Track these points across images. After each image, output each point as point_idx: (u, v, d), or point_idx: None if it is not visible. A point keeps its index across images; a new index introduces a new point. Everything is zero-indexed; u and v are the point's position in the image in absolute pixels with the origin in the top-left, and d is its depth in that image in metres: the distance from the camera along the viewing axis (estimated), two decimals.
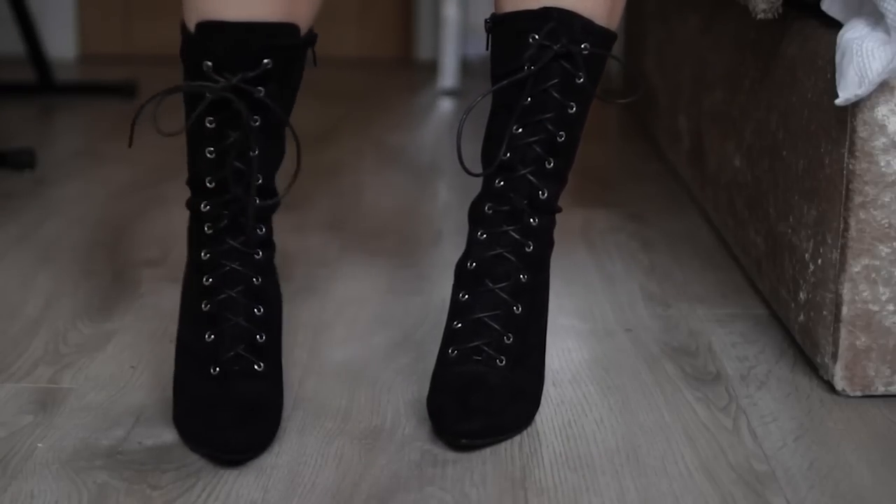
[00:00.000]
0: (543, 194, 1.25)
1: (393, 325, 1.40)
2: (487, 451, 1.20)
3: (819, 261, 1.35)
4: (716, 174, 1.83)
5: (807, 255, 1.38)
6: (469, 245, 1.28)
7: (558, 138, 1.24)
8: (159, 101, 1.18)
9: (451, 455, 1.19)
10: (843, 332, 1.30)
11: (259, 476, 1.14)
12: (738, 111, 1.70)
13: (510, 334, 1.24)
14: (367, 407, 1.29)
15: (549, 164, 1.24)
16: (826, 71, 1.33)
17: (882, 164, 1.27)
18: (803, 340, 1.40)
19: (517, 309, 1.24)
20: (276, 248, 1.28)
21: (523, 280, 1.25)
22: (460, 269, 1.28)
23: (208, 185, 1.22)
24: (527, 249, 1.25)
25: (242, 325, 1.22)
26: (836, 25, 1.32)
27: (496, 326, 1.24)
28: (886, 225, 1.28)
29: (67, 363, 1.38)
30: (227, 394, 1.19)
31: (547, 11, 1.21)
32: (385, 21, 3.29)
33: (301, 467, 1.16)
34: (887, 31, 1.23)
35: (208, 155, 1.21)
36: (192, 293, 1.25)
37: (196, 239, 1.25)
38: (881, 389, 1.32)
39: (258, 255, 1.24)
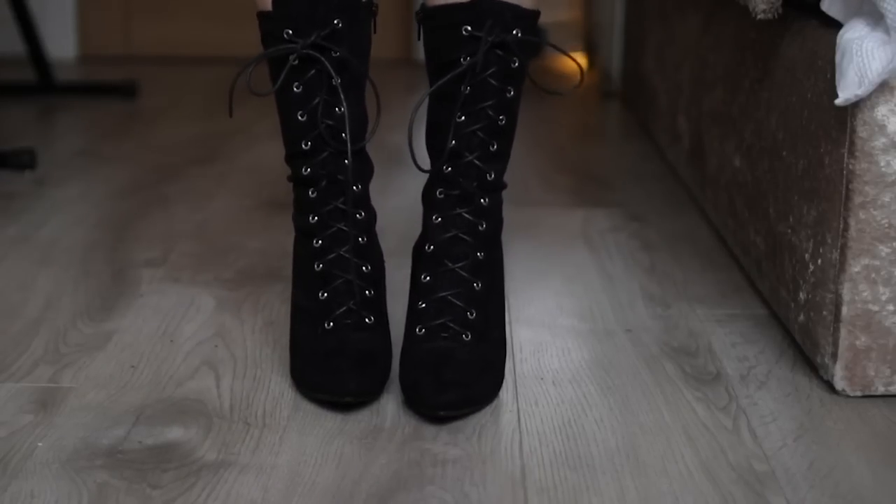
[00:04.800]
0: (491, 175, 1.31)
1: (392, 324, 1.40)
2: (487, 450, 1.20)
3: (819, 261, 1.35)
4: (716, 174, 1.83)
5: (807, 255, 1.38)
6: (425, 228, 1.34)
7: (499, 122, 1.30)
8: (253, 66, 1.29)
9: (451, 455, 1.19)
10: (843, 332, 1.30)
11: (259, 476, 1.14)
12: (738, 111, 1.70)
13: (473, 310, 1.29)
14: (367, 407, 1.29)
15: (493, 147, 1.31)
16: (826, 71, 1.33)
17: (882, 164, 1.27)
18: (803, 340, 1.40)
19: (477, 286, 1.30)
20: (376, 214, 1.38)
21: (480, 257, 1.31)
22: (418, 251, 1.35)
23: (304, 147, 1.32)
24: (480, 228, 1.31)
25: (352, 281, 1.31)
26: (836, 25, 1.32)
27: (459, 304, 1.29)
28: (886, 225, 1.28)
29: (67, 363, 1.38)
30: (342, 344, 1.28)
31: (478, 3, 1.27)
32: (385, 21, 3.29)
33: (301, 467, 1.16)
34: (887, 31, 1.23)
35: (300, 118, 1.32)
36: (303, 257, 1.35)
37: (303, 205, 1.35)
38: (881, 389, 1.32)
39: (360, 215, 1.34)
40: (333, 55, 1.30)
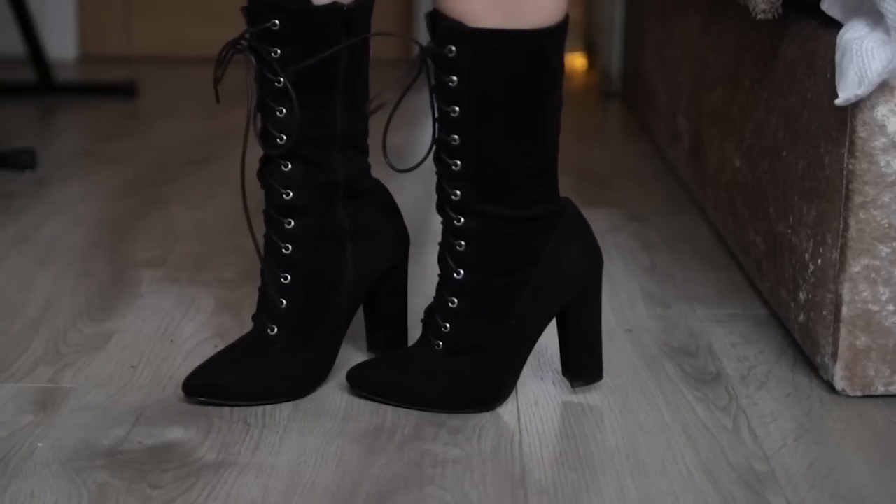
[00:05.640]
0: (456, 195, 1.25)
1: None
2: (488, 450, 1.20)
3: (819, 261, 1.35)
4: (716, 174, 1.83)
5: (807, 255, 1.38)
6: None
7: (452, 142, 1.24)
8: (231, 56, 1.28)
9: (451, 455, 1.19)
10: (843, 332, 1.30)
11: (259, 476, 1.14)
12: (738, 111, 1.70)
13: (447, 324, 1.28)
14: (367, 407, 1.29)
15: (456, 166, 1.25)
16: (826, 71, 1.33)
17: (882, 164, 1.27)
18: (803, 340, 1.40)
19: (452, 303, 1.28)
20: (334, 226, 1.32)
21: (457, 277, 1.27)
22: None
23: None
24: (458, 248, 1.27)
25: (267, 290, 1.31)
26: (836, 25, 1.32)
27: (436, 313, 1.29)
28: (886, 225, 1.28)
29: (67, 363, 1.38)
30: (233, 345, 1.32)
31: (429, 14, 1.23)
32: (385, 21, 3.29)
33: (301, 467, 1.16)
34: (887, 31, 1.23)
35: (256, 112, 1.29)
36: None
37: None
38: (881, 389, 1.32)
39: (288, 224, 1.30)
40: (273, 56, 1.26)
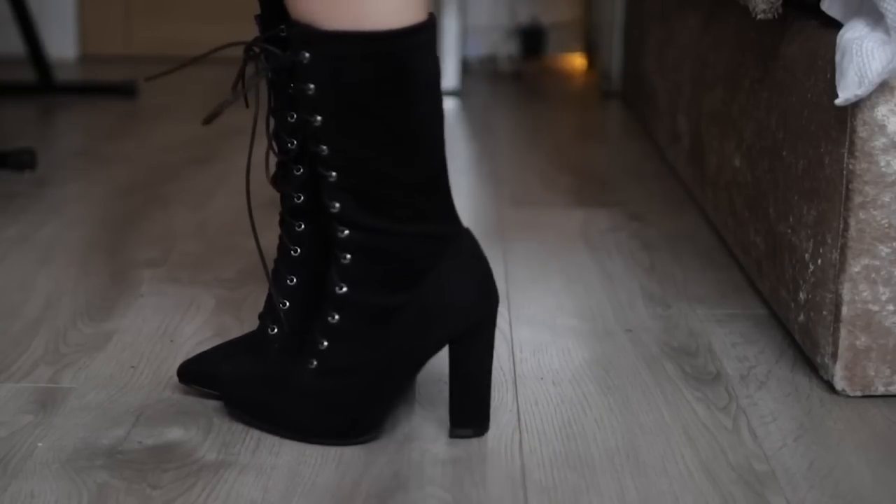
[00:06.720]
0: (335, 208, 1.19)
1: None
2: (487, 450, 1.20)
3: (819, 261, 1.35)
4: (716, 174, 1.83)
5: (807, 255, 1.38)
6: None
7: (321, 153, 1.18)
8: (245, 61, 1.25)
9: (451, 455, 1.19)
10: (843, 332, 1.30)
11: (259, 476, 1.15)
12: (738, 111, 1.70)
13: (324, 341, 1.21)
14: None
15: (332, 178, 1.18)
16: (826, 71, 1.33)
17: (882, 164, 1.27)
18: (803, 340, 1.40)
19: (332, 318, 1.21)
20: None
21: (339, 292, 1.20)
22: None
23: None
24: (342, 262, 1.21)
25: (274, 290, 1.30)
26: (836, 25, 1.32)
27: (315, 329, 1.23)
28: (886, 225, 1.28)
29: (67, 363, 1.38)
30: (233, 340, 1.33)
31: (290, 23, 1.18)
32: None
33: (301, 467, 1.16)
34: (887, 31, 1.23)
35: (272, 117, 1.30)
36: None
37: None
38: (881, 389, 1.32)
39: (300, 226, 1.30)
40: (282, 61, 1.23)
